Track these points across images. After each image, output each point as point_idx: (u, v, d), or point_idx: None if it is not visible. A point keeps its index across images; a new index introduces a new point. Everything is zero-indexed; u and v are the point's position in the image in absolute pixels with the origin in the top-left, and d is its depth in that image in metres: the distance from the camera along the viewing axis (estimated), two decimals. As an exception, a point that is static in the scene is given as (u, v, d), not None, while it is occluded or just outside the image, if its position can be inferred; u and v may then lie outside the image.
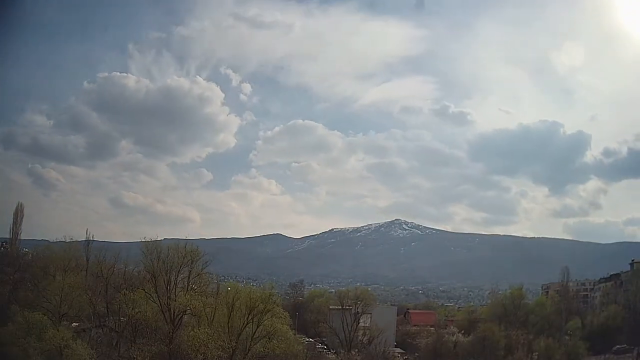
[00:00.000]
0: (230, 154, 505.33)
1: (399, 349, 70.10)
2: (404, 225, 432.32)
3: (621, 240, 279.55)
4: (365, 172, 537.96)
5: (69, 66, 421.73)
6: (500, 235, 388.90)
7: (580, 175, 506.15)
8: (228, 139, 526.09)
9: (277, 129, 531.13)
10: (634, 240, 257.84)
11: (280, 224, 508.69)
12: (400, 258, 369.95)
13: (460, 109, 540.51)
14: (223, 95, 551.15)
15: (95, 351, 38.29)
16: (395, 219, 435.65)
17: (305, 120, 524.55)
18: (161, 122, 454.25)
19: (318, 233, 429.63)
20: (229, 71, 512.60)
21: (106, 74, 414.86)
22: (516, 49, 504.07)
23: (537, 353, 59.26)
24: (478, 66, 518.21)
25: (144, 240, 46.14)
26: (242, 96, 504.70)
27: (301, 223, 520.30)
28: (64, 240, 58.10)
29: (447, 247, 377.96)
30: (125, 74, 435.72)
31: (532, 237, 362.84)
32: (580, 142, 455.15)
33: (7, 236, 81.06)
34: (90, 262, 55.32)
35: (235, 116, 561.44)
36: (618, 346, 67.68)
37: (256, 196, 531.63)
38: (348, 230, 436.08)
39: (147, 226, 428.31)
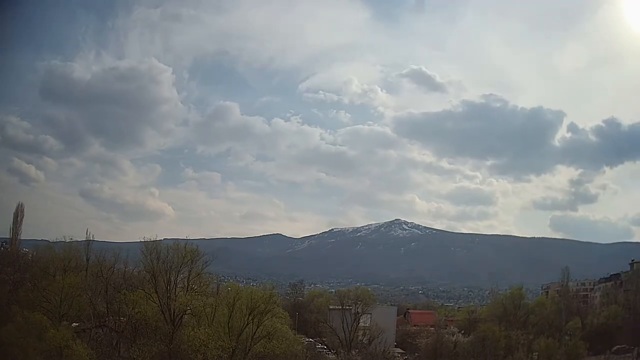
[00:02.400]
0: (178, 147, 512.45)
1: (399, 349, 70.13)
2: (404, 225, 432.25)
3: (621, 240, 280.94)
4: (302, 158, 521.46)
5: (18, 70, 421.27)
6: (500, 235, 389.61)
7: (552, 159, 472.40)
8: (175, 131, 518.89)
9: (207, 113, 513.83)
10: (634, 240, 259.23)
11: (240, 216, 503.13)
12: (400, 258, 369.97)
13: (396, 91, 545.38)
14: (172, 82, 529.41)
15: (95, 351, 38.29)
16: (395, 219, 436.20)
17: (226, 102, 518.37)
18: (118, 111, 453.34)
19: (318, 233, 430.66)
20: (166, 66, 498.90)
21: (46, 62, 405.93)
22: (444, 38, 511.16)
23: (537, 353, 59.06)
24: (414, 54, 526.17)
25: (143, 240, 46.27)
26: (182, 89, 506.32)
27: (261, 216, 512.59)
28: (64, 240, 58.02)
29: (447, 247, 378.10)
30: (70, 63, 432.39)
31: (531, 237, 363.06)
32: (541, 117, 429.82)
33: (7, 236, 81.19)
34: (90, 262, 55.30)
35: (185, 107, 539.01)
36: (618, 346, 67.50)
37: (202, 187, 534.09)
38: (348, 230, 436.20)
39: (121, 221, 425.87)
